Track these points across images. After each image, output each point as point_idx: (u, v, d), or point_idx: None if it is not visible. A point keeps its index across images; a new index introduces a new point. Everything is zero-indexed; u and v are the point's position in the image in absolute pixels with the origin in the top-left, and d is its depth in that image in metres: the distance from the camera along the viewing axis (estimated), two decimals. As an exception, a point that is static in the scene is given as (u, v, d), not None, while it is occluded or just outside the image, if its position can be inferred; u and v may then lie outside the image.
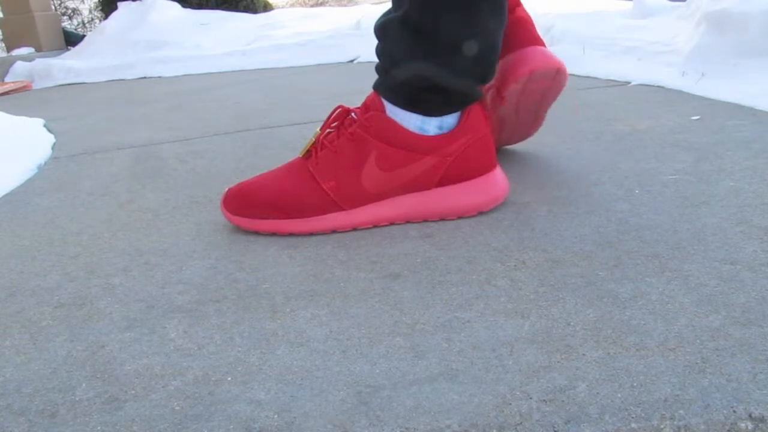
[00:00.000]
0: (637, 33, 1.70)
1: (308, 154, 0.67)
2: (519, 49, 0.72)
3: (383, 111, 0.64)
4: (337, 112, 0.66)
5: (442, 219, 0.66)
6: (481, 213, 0.66)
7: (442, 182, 0.65)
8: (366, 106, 0.65)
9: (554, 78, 0.74)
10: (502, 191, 0.67)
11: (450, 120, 0.65)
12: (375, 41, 0.67)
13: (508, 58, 0.73)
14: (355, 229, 0.66)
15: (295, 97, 1.65)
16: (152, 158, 1.07)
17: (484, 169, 0.66)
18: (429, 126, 0.64)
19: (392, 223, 0.66)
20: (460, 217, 0.66)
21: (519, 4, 0.76)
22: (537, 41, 0.74)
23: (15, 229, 0.76)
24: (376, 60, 0.67)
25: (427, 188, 0.65)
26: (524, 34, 0.74)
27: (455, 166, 0.64)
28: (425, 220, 0.66)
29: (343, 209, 0.65)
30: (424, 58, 0.61)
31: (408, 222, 0.66)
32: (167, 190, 0.87)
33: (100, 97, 2.12)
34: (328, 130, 0.66)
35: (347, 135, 0.64)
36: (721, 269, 0.50)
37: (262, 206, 0.65)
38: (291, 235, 0.65)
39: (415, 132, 0.64)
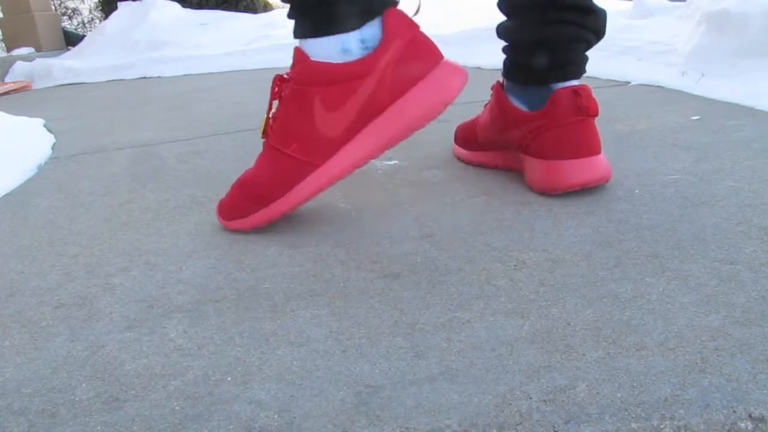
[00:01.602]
0: (637, 33, 1.70)
1: (265, 133, 0.66)
2: (577, 158, 0.68)
3: (308, 58, 0.63)
4: (273, 82, 0.65)
5: (413, 132, 0.63)
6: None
7: (394, 97, 0.62)
8: (293, 63, 0.64)
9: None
10: (458, 78, 0.63)
11: (372, 31, 0.62)
12: None
13: (562, 164, 0.68)
14: (339, 180, 0.64)
15: (295, 97, 1.65)
16: (152, 158, 1.07)
17: (430, 66, 0.62)
18: (351, 45, 0.62)
19: (370, 159, 0.64)
20: (428, 123, 0.63)
21: (591, 112, 0.68)
22: (594, 149, 0.69)
23: (15, 229, 0.76)
24: None
25: (384, 109, 0.62)
26: (586, 141, 0.68)
27: (398, 75, 0.61)
28: (400, 142, 0.64)
29: (318, 165, 0.63)
30: None
31: (386, 150, 0.64)
32: (167, 190, 0.87)
33: (100, 97, 2.12)
34: (274, 103, 0.66)
35: (288, 95, 0.64)
36: (721, 269, 0.50)
37: (249, 201, 0.65)
38: (283, 215, 0.65)
39: (340, 58, 0.61)
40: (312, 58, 0.63)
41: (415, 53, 0.62)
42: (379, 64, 0.61)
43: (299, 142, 0.63)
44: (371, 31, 0.62)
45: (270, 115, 0.66)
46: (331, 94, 0.62)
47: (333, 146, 0.63)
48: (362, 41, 0.62)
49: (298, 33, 0.65)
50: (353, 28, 0.62)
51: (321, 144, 0.63)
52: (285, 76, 0.65)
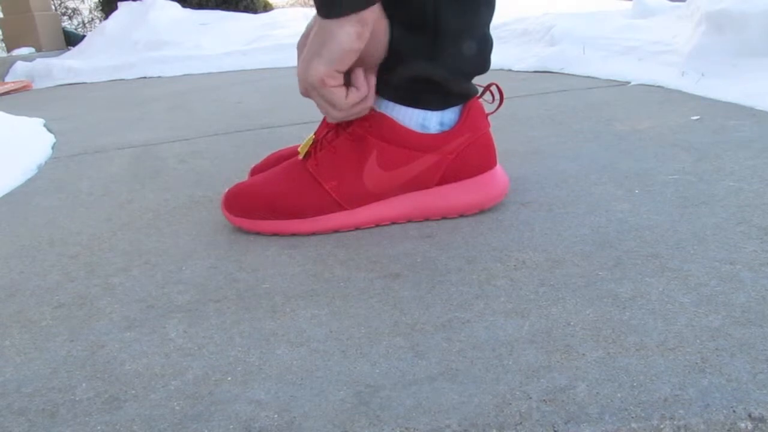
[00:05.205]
0: (637, 33, 1.70)
1: (307, 154, 0.67)
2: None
3: (383, 111, 0.64)
4: None
5: (444, 217, 0.66)
6: (481, 211, 0.66)
7: (442, 180, 0.65)
8: None
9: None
10: (502, 189, 0.67)
11: (450, 116, 0.65)
12: None
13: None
14: (357, 228, 0.66)
15: (295, 97, 1.65)
16: (152, 158, 1.07)
17: (485, 167, 0.66)
18: (430, 123, 0.64)
19: (394, 223, 0.66)
20: (461, 215, 0.66)
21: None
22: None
23: (15, 229, 0.76)
24: None
25: (428, 187, 0.65)
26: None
27: (456, 163, 0.64)
28: (427, 219, 0.66)
29: (345, 209, 0.65)
30: (423, 56, 0.62)
31: (410, 221, 0.66)
32: (167, 190, 0.87)
33: (100, 97, 2.12)
34: (326, 131, 0.66)
35: (346, 134, 0.64)
36: (721, 269, 0.50)
37: (262, 208, 0.65)
38: (293, 235, 0.65)
39: (415, 130, 0.64)
40: (387, 111, 0.64)
41: (477, 151, 0.65)
42: (445, 147, 0.64)
43: (339, 183, 0.64)
44: (450, 116, 0.65)
45: (317, 138, 0.66)
46: (390, 154, 0.63)
47: (368, 198, 0.65)
48: (440, 123, 0.65)
49: (381, 90, 0.63)
50: (436, 110, 0.64)
51: (359, 193, 0.64)
52: None
